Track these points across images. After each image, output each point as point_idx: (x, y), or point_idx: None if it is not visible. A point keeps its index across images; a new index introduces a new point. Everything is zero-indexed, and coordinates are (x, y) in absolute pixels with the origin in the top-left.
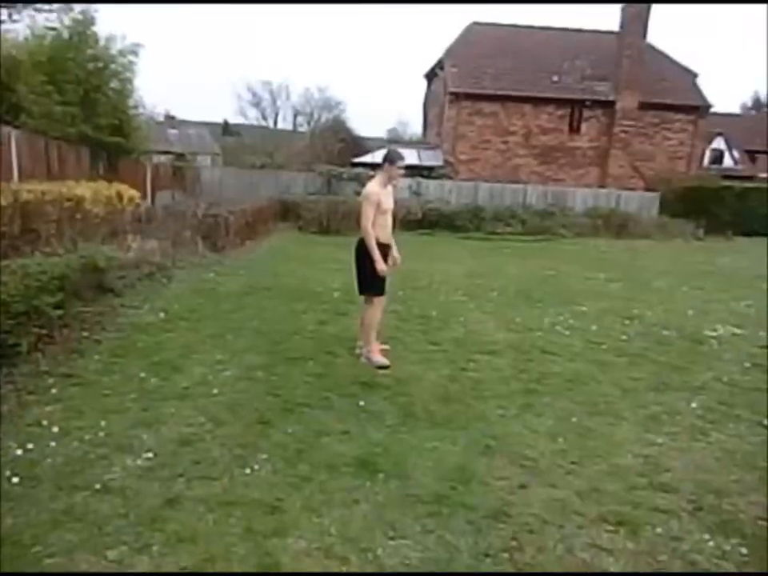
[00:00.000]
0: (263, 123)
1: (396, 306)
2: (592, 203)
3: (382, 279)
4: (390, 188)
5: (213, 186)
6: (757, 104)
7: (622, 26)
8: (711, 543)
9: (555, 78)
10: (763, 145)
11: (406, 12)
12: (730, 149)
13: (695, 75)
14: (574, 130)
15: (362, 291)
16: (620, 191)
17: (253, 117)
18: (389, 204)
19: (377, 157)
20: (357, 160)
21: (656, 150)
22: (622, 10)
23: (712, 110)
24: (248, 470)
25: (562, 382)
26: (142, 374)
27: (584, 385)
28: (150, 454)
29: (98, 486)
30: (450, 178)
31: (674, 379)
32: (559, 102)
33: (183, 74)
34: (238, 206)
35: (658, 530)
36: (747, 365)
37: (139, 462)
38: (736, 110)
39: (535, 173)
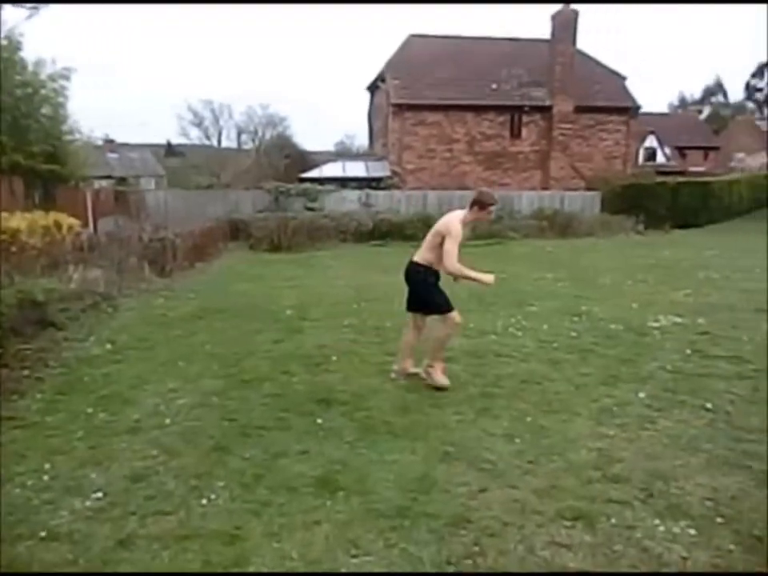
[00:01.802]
0: (207, 142)
1: (351, 319)
2: (537, 205)
3: (446, 298)
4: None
5: (158, 209)
6: (683, 103)
7: (552, 34)
8: (662, 528)
9: (494, 86)
10: (691, 141)
11: (347, 25)
12: (661, 146)
13: (624, 78)
14: (515, 135)
15: (423, 311)
16: (563, 192)
17: (195, 137)
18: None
19: (325, 171)
20: (304, 175)
21: (593, 150)
22: (552, 18)
23: (642, 110)
24: (205, 501)
25: (517, 383)
26: (89, 410)
27: (538, 384)
28: (100, 494)
29: (43, 534)
30: (399, 188)
31: (623, 372)
32: (499, 109)
33: (122, 97)
34: (185, 228)
35: (613, 520)
36: (688, 352)
37: (88, 503)
38: (664, 109)
39: (481, 178)
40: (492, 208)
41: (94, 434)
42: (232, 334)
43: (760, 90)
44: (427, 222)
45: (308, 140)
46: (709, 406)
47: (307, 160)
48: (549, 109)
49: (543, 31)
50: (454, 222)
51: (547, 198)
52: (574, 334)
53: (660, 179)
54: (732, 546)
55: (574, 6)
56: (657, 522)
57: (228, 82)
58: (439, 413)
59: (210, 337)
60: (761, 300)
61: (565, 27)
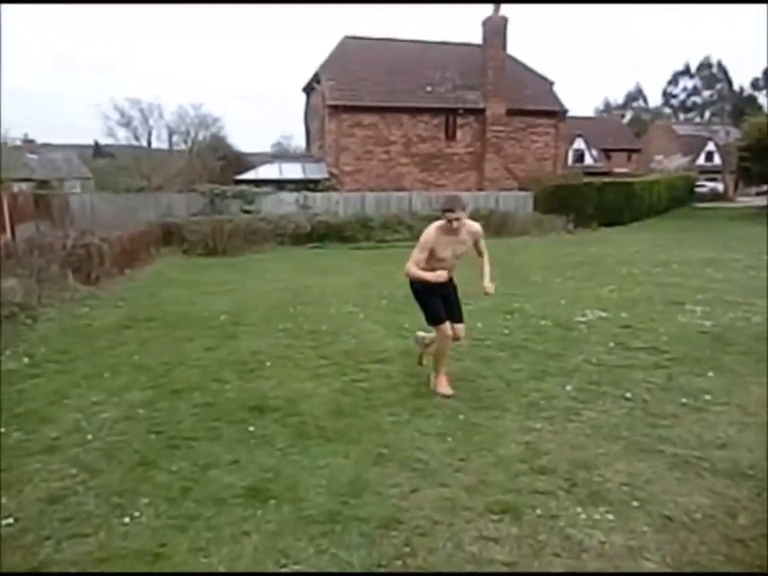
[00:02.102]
0: (136, 143)
1: (286, 323)
2: (473, 205)
3: (434, 309)
4: (456, 237)
5: (84, 214)
6: (607, 107)
7: (484, 39)
8: (583, 516)
9: (429, 89)
10: (615, 143)
11: (281, 25)
12: (589, 148)
13: (551, 83)
14: (450, 137)
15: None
16: (497, 192)
17: (123, 137)
18: (445, 254)
19: (261, 173)
20: (240, 177)
21: (525, 152)
22: (483, 24)
23: (570, 114)
24: (127, 519)
25: (450, 382)
26: (2, 430)
27: (471, 381)
28: (11, 520)
29: None
30: (336, 189)
31: (551, 366)
32: (434, 111)
33: (45, 95)
34: (113, 233)
35: (538, 511)
36: (611, 345)
37: None
38: (591, 113)
39: (418, 180)
40: (448, 214)
41: (5, 455)
42: (162, 342)
43: (675, 96)
44: (365, 224)
45: (244, 141)
46: (628, 395)
47: (243, 161)
48: (482, 111)
49: (475, 36)
50: (426, 230)
51: (482, 199)
52: (506, 331)
53: (587, 180)
54: (645, 528)
55: (502, 13)
56: (579, 509)
57: (158, 81)
58: (374, 415)
59: (138, 347)
60: (677, 293)
61: (495, 33)
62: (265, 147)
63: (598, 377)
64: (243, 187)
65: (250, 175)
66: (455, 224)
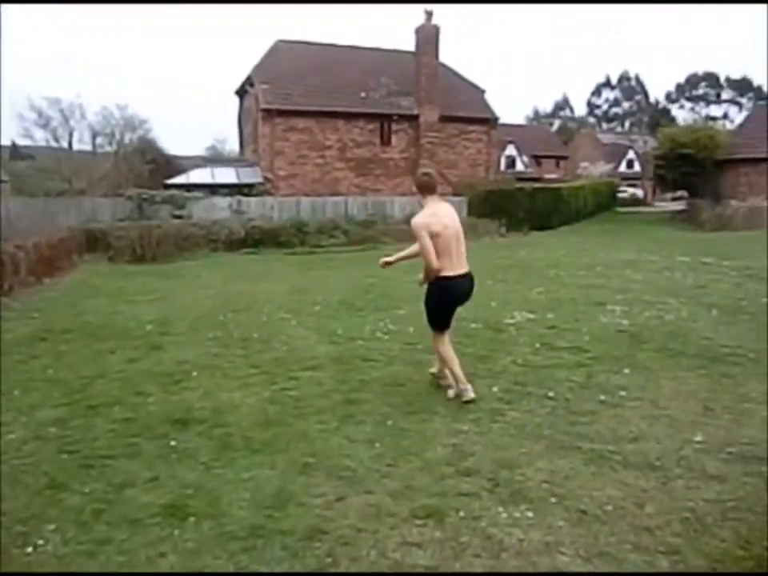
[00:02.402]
0: (55, 145)
1: (216, 331)
2: (410, 210)
3: (436, 313)
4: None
5: None
6: (537, 116)
7: (417, 47)
8: (504, 515)
9: (363, 95)
10: (545, 150)
11: (217, 26)
12: (520, 155)
13: (483, 91)
14: (386, 142)
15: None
16: None
17: (42, 138)
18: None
19: (192, 177)
20: (170, 181)
21: (458, 158)
22: (416, 32)
23: (502, 121)
24: (30, 549)
25: (381, 387)
26: None
27: (401, 386)
28: None
29: None
30: (271, 194)
31: (479, 368)
32: (369, 117)
33: None
34: (29, 240)
35: (462, 513)
36: (537, 345)
37: None
38: (522, 121)
39: (354, 185)
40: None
41: None
42: (80, 355)
43: (599, 107)
44: (301, 229)
45: (175, 144)
46: (551, 394)
47: (174, 165)
48: (416, 118)
49: (407, 43)
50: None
51: (418, 204)
52: None
53: (519, 185)
54: (561, 523)
55: (435, 22)
56: (500, 509)
57: (82, 81)
58: (302, 423)
59: (54, 360)
60: (599, 294)
61: (428, 41)
62: (199, 151)
63: (524, 377)
64: (174, 192)
65: (180, 179)
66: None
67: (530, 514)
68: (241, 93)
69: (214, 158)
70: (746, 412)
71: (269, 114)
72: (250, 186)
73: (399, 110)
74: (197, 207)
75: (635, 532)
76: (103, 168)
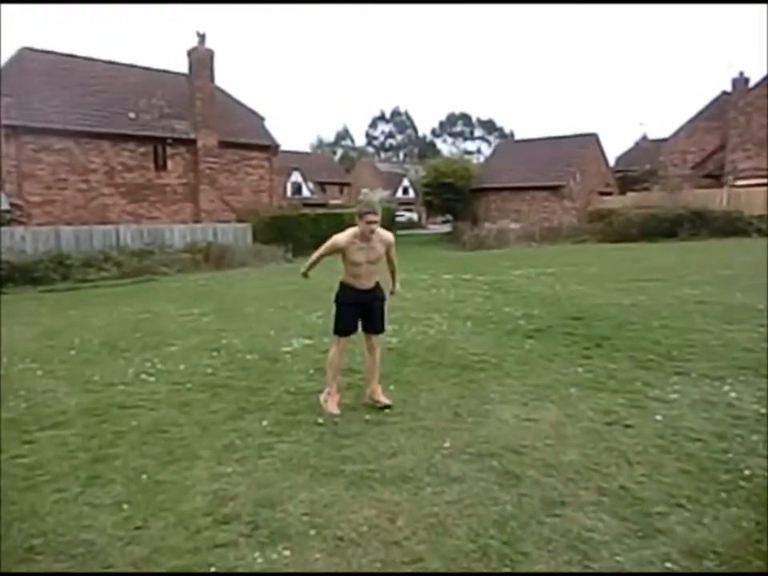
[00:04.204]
0: None
1: None
2: (190, 238)
3: (344, 321)
4: (367, 244)
5: None
6: (320, 144)
7: (190, 70)
8: (260, 560)
9: (132, 115)
10: (329, 177)
11: None
12: (305, 181)
13: (263, 119)
14: (161, 167)
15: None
16: (215, 224)
17: None
18: (358, 258)
19: None
20: None
21: (241, 184)
22: (188, 54)
23: (287, 148)
24: None
25: (139, 437)
26: None
27: (163, 433)
28: None
29: None
30: (22, 223)
31: (252, 402)
32: (140, 139)
33: None
34: None
35: (214, 568)
36: (311, 371)
37: None
38: (307, 148)
39: (126, 212)
40: (369, 216)
41: None
42: None
43: (376, 138)
44: (62, 262)
45: None
46: (320, 420)
47: None
48: (194, 142)
49: (179, 65)
50: (338, 234)
51: (200, 231)
52: (209, 370)
53: (304, 210)
54: (318, 555)
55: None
56: (257, 554)
57: None
58: (32, 497)
59: None
60: None
61: (202, 65)
62: None
63: (296, 406)
64: None
65: None
66: (373, 227)
67: (287, 553)
68: None
69: None
70: (485, 413)
71: (14, 131)
72: None
73: (174, 134)
74: None
75: (386, 548)
76: None
